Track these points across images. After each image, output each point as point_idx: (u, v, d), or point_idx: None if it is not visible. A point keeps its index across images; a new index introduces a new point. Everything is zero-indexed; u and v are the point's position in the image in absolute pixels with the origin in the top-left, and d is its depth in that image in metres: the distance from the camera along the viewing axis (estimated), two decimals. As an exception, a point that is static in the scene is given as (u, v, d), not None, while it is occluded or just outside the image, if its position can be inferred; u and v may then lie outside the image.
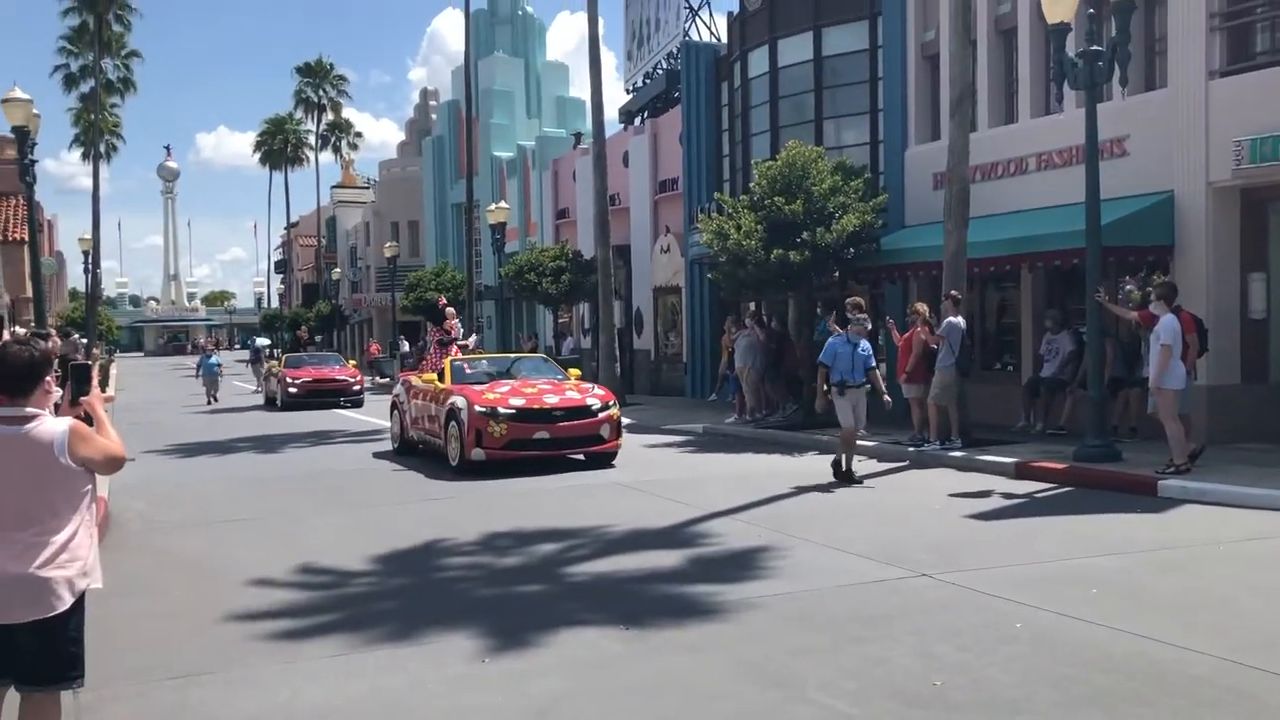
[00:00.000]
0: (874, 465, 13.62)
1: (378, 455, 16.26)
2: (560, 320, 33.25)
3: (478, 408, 13.39)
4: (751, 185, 18.39)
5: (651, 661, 5.84)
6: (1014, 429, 15.33)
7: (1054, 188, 15.56)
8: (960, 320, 13.93)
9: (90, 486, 4.11)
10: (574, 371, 16.12)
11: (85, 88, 45.13)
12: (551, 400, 13.81)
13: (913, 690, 5.21)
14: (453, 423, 13.76)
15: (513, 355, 20.51)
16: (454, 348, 17.28)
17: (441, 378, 15.15)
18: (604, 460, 14.05)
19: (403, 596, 7.51)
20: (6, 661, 3.95)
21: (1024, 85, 16.55)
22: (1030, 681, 5.29)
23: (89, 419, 4.22)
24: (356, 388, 27.79)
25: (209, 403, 29.56)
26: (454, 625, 6.58)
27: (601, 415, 13.90)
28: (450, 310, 18.21)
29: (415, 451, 15.70)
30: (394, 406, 16.76)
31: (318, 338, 50.60)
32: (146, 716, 5.32)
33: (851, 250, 17.10)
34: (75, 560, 4.00)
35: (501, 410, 13.39)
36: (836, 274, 18.21)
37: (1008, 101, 17.22)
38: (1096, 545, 8.43)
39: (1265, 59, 13.63)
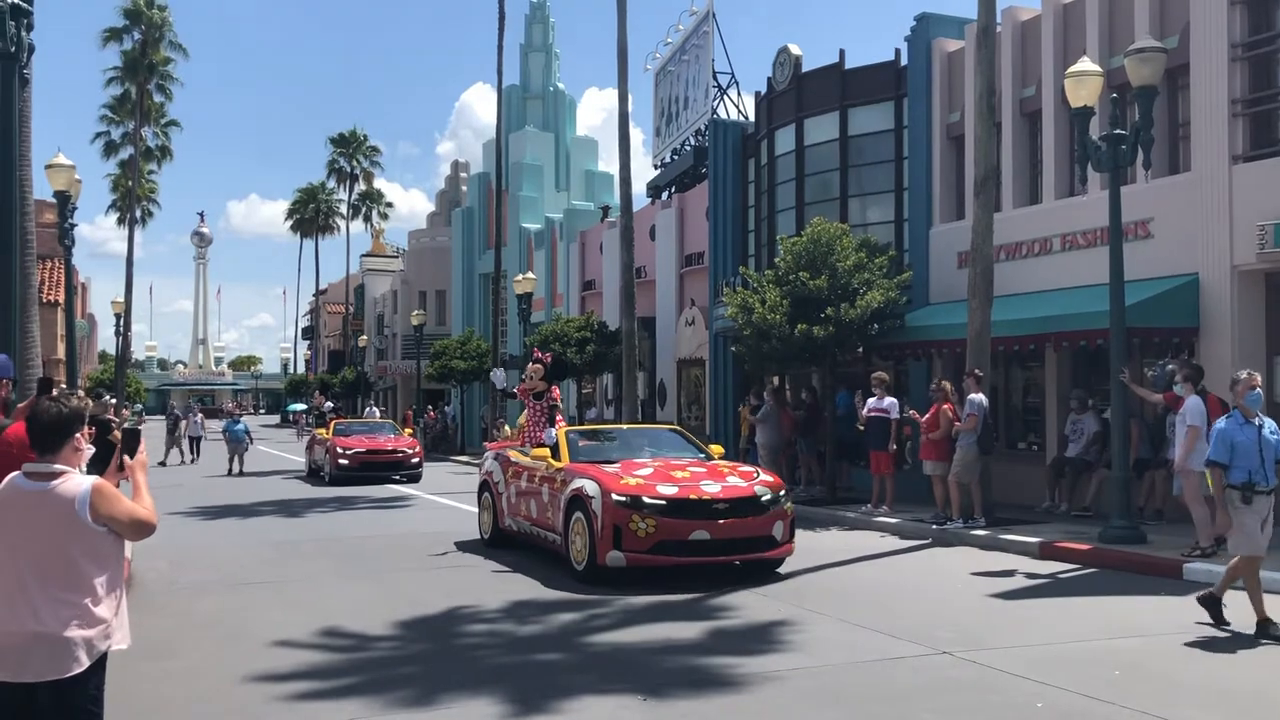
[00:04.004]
0: (896, 543, 13.54)
1: (463, 546, 13.44)
2: (584, 391, 33.37)
3: (616, 496, 10.27)
4: (776, 260, 18.55)
5: (669, 733, 5.82)
6: (1039, 509, 15.22)
7: (1078, 268, 15.63)
8: (982, 398, 13.93)
9: (118, 547, 4.04)
10: (716, 448, 12.72)
11: (124, 155, 46.19)
12: (711, 489, 10.50)
13: (931, 768, 5.17)
14: (578, 514, 10.68)
15: (631, 426, 16.93)
16: (559, 418, 13.42)
17: (555, 454, 12.01)
18: (767, 571, 10.87)
19: (422, 662, 7.51)
20: (26, 718, 3.91)
21: (1048, 167, 16.73)
22: (1051, 762, 5.23)
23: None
24: (415, 460, 25.39)
25: (231, 471, 27.99)
26: (472, 692, 6.59)
27: (773, 510, 10.65)
28: (535, 369, 13.66)
29: (512, 543, 12.88)
30: (483, 487, 13.69)
31: (333, 404, 47.94)
32: (164, 775, 5.33)
33: (875, 326, 17.18)
34: (97, 621, 3.95)
35: (648, 500, 10.26)
36: (860, 350, 18.29)
37: (1032, 182, 17.39)
38: (1120, 627, 8.36)
39: (1288, 145, 13.75)
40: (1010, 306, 15.59)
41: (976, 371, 14.15)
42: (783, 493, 10.96)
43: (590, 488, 10.61)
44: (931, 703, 6.25)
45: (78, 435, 4.10)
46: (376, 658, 7.66)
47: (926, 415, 14.69)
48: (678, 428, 15.06)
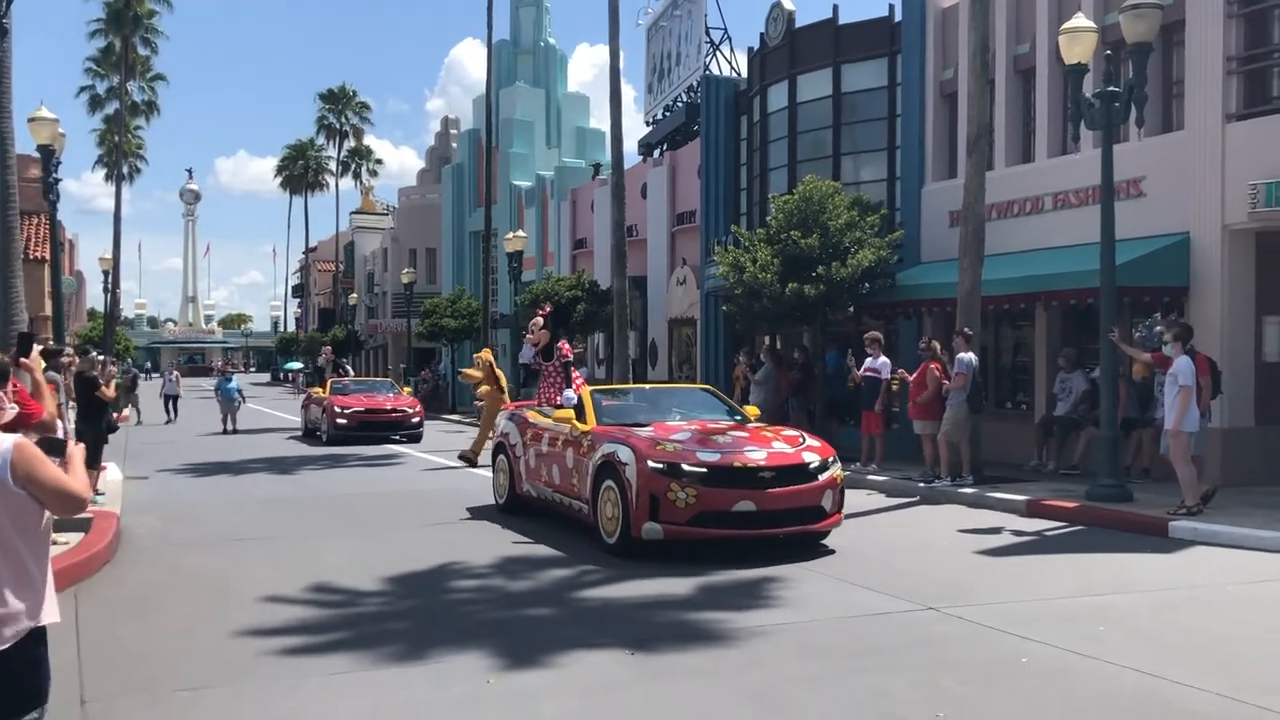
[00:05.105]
0: (883, 500, 13.61)
1: (476, 513, 12.61)
2: (575, 350, 33.36)
3: (652, 463, 9.42)
4: (768, 219, 18.50)
5: (655, 686, 5.87)
6: (1026, 467, 15.29)
7: (1070, 227, 15.61)
8: (972, 356, 13.95)
9: (46, 513, 3.64)
10: (752, 410, 11.99)
11: (110, 109, 45.77)
12: (756, 455, 9.65)
13: (915, 721, 5.22)
14: (609, 482, 9.86)
15: (657, 385, 15.66)
16: (575, 375, 12.92)
17: (580, 415, 11.12)
18: (812, 543, 10.04)
19: (413, 617, 7.55)
20: None
21: (1041, 125, 16.65)
22: (1032, 716, 5.30)
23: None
24: (416, 419, 24.65)
25: (225, 430, 27.78)
26: (462, 646, 6.62)
27: (823, 478, 9.79)
28: (533, 321, 13.34)
29: (529, 510, 12.13)
30: (499, 449, 12.86)
31: (345, 362, 44.88)
32: (154, 728, 5.36)
33: (866, 285, 17.17)
34: (22, 594, 3.56)
35: (688, 468, 9.39)
36: (851, 309, 18.28)
37: (1025, 141, 17.32)
38: (1105, 584, 8.43)
39: (1282, 103, 13.70)
40: (1001, 265, 15.57)
41: (966, 330, 14.16)
42: (831, 459, 10.07)
43: (623, 453, 9.74)
44: (916, 657, 6.30)
45: (1, 393, 3.81)
46: (367, 613, 7.69)
47: (914, 374, 14.71)
48: (709, 387, 14.08)
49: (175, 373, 37.47)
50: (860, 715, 5.31)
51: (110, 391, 13.21)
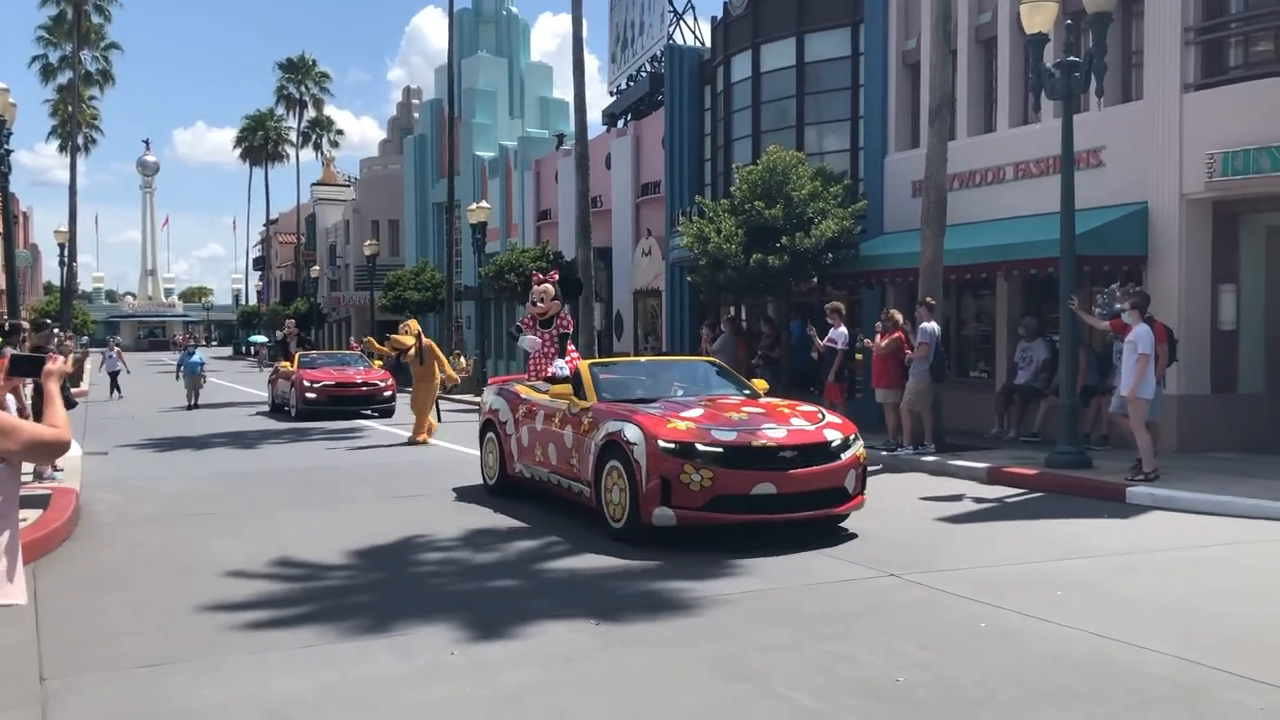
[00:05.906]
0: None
1: (462, 496, 11.81)
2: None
3: (663, 443, 8.66)
4: (732, 189, 18.49)
5: (620, 655, 5.90)
6: (987, 435, 15.47)
7: (1031, 197, 15.72)
8: (935, 326, 14.05)
9: (9, 485, 3.57)
10: (760, 383, 11.33)
11: (63, 79, 44.97)
12: (775, 434, 8.87)
13: (876, 686, 5.29)
14: (614, 463, 9.10)
15: (655, 359, 15.02)
16: (570, 348, 12.27)
17: (579, 390, 10.35)
18: (831, 526, 9.34)
19: (377, 590, 7.53)
20: None
21: (1003, 95, 16.72)
22: (992, 679, 5.38)
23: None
24: (388, 394, 23.81)
25: (189, 405, 26.75)
26: (427, 618, 6.62)
27: (845, 457, 9.04)
28: (544, 290, 12.55)
29: (521, 492, 11.36)
30: (487, 427, 11.98)
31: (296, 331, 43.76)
32: (114, 705, 5.31)
33: (830, 256, 17.23)
34: None
35: (702, 448, 8.64)
36: (815, 279, 18.34)
37: (987, 111, 17.39)
38: (1063, 549, 8.55)
39: (1238, 73, 13.84)
40: (963, 235, 15.68)
41: (929, 300, 14.25)
42: (853, 436, 9.30)
43: (630, 432, 8.93)
44: (877, 623, 6.37)
45: None
46: (332, 586, 7.66)
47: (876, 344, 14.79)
48: (713, 360, 13.24)
49: (116, 348, 36.06)
50: (823, 680, 5.37)
51: (69, 366, 13.04)
